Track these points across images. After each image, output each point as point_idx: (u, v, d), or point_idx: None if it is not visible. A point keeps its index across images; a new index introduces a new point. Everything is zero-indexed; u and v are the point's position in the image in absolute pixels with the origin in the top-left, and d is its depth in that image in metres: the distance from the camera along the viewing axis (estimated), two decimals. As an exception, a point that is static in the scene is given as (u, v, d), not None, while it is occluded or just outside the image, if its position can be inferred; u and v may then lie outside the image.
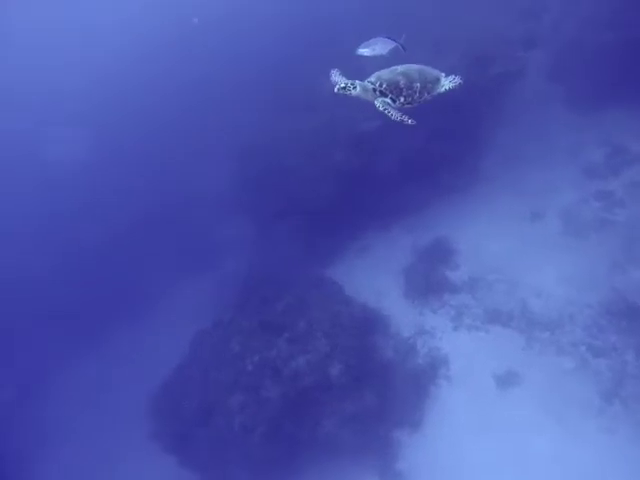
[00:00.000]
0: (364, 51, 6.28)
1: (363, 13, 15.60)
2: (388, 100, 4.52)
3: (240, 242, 13.82)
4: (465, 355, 10.44)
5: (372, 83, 4.48)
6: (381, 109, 4.49)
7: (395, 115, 4.47)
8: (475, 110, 12.89)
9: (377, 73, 4.58)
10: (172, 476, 10.28)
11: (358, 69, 5.05)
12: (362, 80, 4.57)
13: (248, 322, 11.21)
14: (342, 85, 4.37)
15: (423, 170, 12.37)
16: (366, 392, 10.00)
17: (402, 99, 4.47)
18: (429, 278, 11.74)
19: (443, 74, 4.68)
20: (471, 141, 13.06)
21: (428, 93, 4.53)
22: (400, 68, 4.59)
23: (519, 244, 11.54)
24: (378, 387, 10.07)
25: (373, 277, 12.20)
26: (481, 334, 10.67)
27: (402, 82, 4.43)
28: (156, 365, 11.65)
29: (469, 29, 13.44)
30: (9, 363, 13.51)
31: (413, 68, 4.60)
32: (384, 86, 4.46)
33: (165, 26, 22.25)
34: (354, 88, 4.42)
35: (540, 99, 13.55)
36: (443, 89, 4.61)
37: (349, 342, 10.63)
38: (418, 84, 4.46)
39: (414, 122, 4.48)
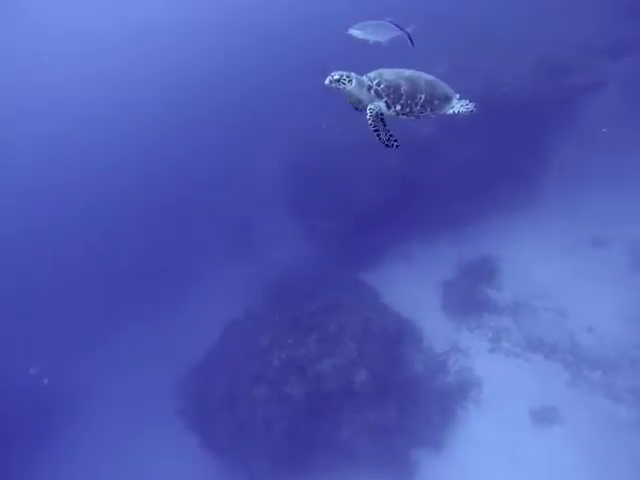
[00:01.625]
0: (356, 32, 5.31)
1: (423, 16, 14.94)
2: (381, 104, 3.96)
3: (282, 237, 13.88)
4: (499, 381, 9.95)
5: (370, 79, 3.94)
6: (372, 128, 3.91)
7: (383, 137, 3.91)
8: (542, 123, 12.11)
9: (380, 70, 4.04)
10: (192, 455, 10.67)
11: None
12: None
13: (280, 318, 11.30)
14: (336, 77, 3.82)
15: (477, 183, 11.78)
16: (389, 404, 9.81)
17: (398, 107, 3.90)
18: (469, 295, 11.26)
19: (457, 95, 4.14)
20: (534, 156, 12.27)
21: (432, 110, 3.99)
22: (408, 73, 4.05)
23: (573, 272, 10.78)
24: (402, 401, 9.83)
25: (411, 287, 11.87)
26: (520, 361, 10.10)
27: (404, 88, 3.89)
28: (187, 347, 12.00)
29: (546, 33, 12.52)
30: (53, 335, 14.65)
31: (423, 77, 4.06)
32: (382, 86, 3.91)
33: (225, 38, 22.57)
34: (349, 81, 3.85)
35: (618, 116, 12.42)
36: (451, 111, 4.07)
37: (378, 350, 10.45)
38: (422, 96, 3.92)
39: (399, 145, 3.91)
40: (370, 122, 4.00)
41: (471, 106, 4.05)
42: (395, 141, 3.94)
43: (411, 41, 5.06)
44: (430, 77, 4.09)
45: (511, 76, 12.31)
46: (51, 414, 12.82)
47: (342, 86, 3.86)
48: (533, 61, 12.39)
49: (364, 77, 3.97)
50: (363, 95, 4.01)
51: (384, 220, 12.11)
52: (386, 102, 3.95)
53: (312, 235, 13.45)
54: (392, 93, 3.91)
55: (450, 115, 4.05)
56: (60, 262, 16.15)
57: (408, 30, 5.03)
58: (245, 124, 16.11)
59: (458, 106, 4.07)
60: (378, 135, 3.93)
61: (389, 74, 3.98)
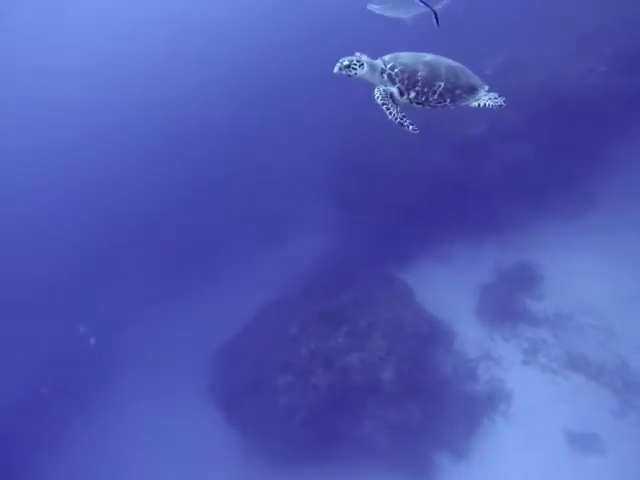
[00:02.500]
0: (375, 7, 5.00)
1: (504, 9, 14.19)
2: (394, 90, 3.59)
3: (320, 226, 13.84)
4: (532, 396, 9.51)
5: (384, 63, 3.61)
6: (379, 101, 3.57)
7: (395, 114, 3.56)
8: (610, 126, 11.26)
9: (397, 54, 3.69)
10: (217, 430, 10.99)
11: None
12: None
13: (311, 308, 11.34)
14: (345, 63, 3.56)
15: (527, 186, 11.27)
16: (413, 405, 9.69)
17: (412, 94, 3.54)
18: (507, 302, 10.82)
19: (486, 87, 3.71)
20: (596, 162, 11.48)
21: (452, 101, 3.61)
22: (428, 57, 3.64)
23: (629, 289, 10.02)
24: (427, 403, 9.68)
25: (447, 288, 11.53)
26: (558, 379, 9.56)
27: (422, 73, 3.51)
28: (219, 327, 12.28)
29: (629, 24, 11.52)
30: (103, 299, 15.47)
31: (445, 63, 3.62)
32: (396, 70, 3.54)
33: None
34: (360, 66, 3.57)
35: None
36: (476, 103, 3.67)
37: (407, 349, 10.31)
38: (442, 84, 3.52)
39: (416, 130, 3.57)
40: (377, 96, 3.62)
41: (500, 100, 3.64)
42: (411, 124, 3.58)
43: (437, 20, 4.58)
44: (454, 64, 3.69)
45: (580, 71, 11.52)
46: (88, 374, 13.69)
47: (353, 72, 3.58)
48: (609, 55, 11.46)
49: (378, 60, 3.67)
50: (375, 81, 3.69)
51: (425, 217, 11.81)
52: (399, 88, 3.60)
53: (351, 227, 13.33)
54: (407, 79, 3.55)
55: (475, 108, 3.69)
56: (115, 234, 16.92)
57: (436, 8, 4.55)
58: (293, 113, 16.04)
59: (485, 99, 3.66)
60: (389, 111, 3.59)
61: (406, 58, 3.63)
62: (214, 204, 16.07)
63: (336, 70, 3.61)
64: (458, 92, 3.61)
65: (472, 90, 3.67)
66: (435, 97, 3.57)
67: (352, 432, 9.62)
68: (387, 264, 12.16)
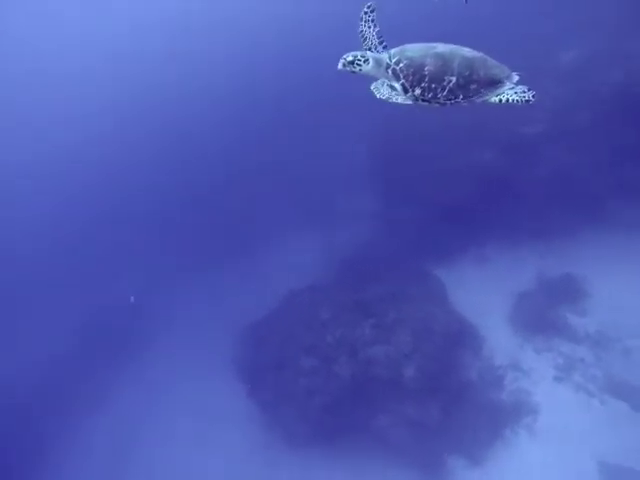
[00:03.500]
0: None
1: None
2: (397, 86, 3.29)
3: (361, 217, 13.72)
4: (562, 415, 9.05)
5: (390, 57, 3.33)
6: (383, 96, 3.31)
7: (400, 100, 3.31)
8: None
9: (405, 46, 3.38)
10: (238, 402, 11.27)
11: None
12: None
13: (342, 296, 11.37)
14: (349, 58, 3.36)
15: (580, 193, 10.58)
16: (433, 404, 9.55)
17: (418, 91, 3.22)
18: (544, 313, 10.35)
19: (515, 78, 3.25)
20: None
21: (465, 97, 3.21)
22: (441, 49, 3.24)
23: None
24: (447, 404, 9.50)
25: (482, 291, 11.17)
26: (594, 402, 9.02)
27: (429, 68, 3.18)
28: (249, 305, 12.59)
29: None
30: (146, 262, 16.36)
31: (461, 55, 3.21)
32: (401, 65, 3.25)
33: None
34: (365, 61, 3.34)
35: None
36: (497, 99, 3.24)
37: (433, 349, 10.13)
38: (453, 79, 3.16)
39: (445, 105, 3.26)
40: (376, 93, 3.40)
41: (529, 95, 3.19)
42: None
43: None
44: (473, 54, 3.24)
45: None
46: (126, 327, 14.70)
47: (357, 68, 3.39)
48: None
49: (384, 54, 3.40)
50: (381, 76, 3.41)
51: (468, 216, 11.45)
52: (403, 85, 3.29)
53: (390, 220, 13.15)
54: (412, 74, 3.23)
55: (496, 104, 3.26)
56: (169, 209, 17.80)
57: None
58: (341, 104, 15.89)
59: (510, 93, 3.21)
60: (397, 99, 3.36)
61: (414, 50, 3.29)
62: (262, 187, 16.33)
63: (340, 67, 3.43)
64: (474, 87, 3.21)
65: (492, 84, 3.23)
66: (444, 93, 3.23)
67: (368, 423, 9.66)
68: (424, 260, 11.93)
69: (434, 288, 11.47)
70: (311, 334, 11.11)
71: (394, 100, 3.37)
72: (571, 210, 10.80)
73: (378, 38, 3.42)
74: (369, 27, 3.40)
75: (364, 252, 12.68)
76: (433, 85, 3.22)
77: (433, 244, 11.99)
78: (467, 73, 3.17)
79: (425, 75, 3.22)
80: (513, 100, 3.22)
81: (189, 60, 24.82)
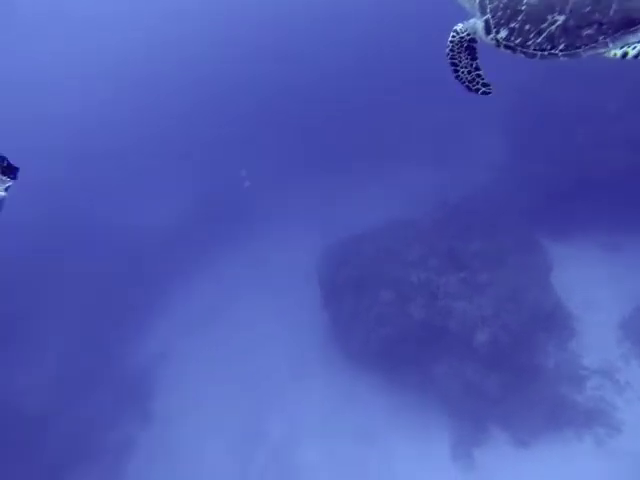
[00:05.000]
0: None
1: None
2: (479, 24, 2.47)
3: (485, 164, 12.44)
4: None
5: None
6: (448, 50, 2.63)
7: (463, 75, 2.66)
8: None
9: None
10: (312, 310, 12.12)
11: None
12: None
13: (439, 240, 10.94)
14: None
15: None
16: (495, 376, 9.23)
17: (504, 32, 2.35)
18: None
19: None
20: None
21: (568, 47, 2.22)
22: None
23: None
24: (510, 381, 9.10)
25: (600, 282, 9.85)
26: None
27: (530, 0, 2.23)
28: (345, 220, 13.04)
29: None
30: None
31: None
32: None
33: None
34: None
35: None
36: (623, 51, 2.15)
37: (516, 322, 9.52)
38: (560, 19, 2.18)
39: (489, 91, 2.69)
40: (447, 52, 2.71)
41: None
42: (484, 85, 2.72)
43: None
44: None
45: None
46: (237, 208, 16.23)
47: None
48: None
49: None
50: (466, 2, 2.62)
51: (609, 194, 9.68)
52: (486, 21, 2.45)
53: (517, 176, 11.77)
54: (503, 8, 2.34)
55: (614, 59, 2.24)
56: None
57: None
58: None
59: (636, 46, 2.11)
60: (456, 72, 2.73)
61: None
62: (397, 113, 15.71)
63: None
64: (588, 32, 2.18)
65: (627, 25, 2.11)
66: (539, 40, 2.28)
67: (424, 367, 9.80)
68: (540, 227, 10.71)
69: (539, 260, 10.39)
70: (397, 268, 11.04)
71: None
72: None
73: None
74: None
75: (477, 202, 11.73)
76: (527, 26, 2.30)
77: (557, 214, 10.59)
78: (588, 9, 2.12)
79: (521, 10, 2.29)
80: None
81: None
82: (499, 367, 9.19)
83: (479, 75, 2.76)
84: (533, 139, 11.39)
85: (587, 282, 10.00)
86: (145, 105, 22.85)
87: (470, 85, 2.79)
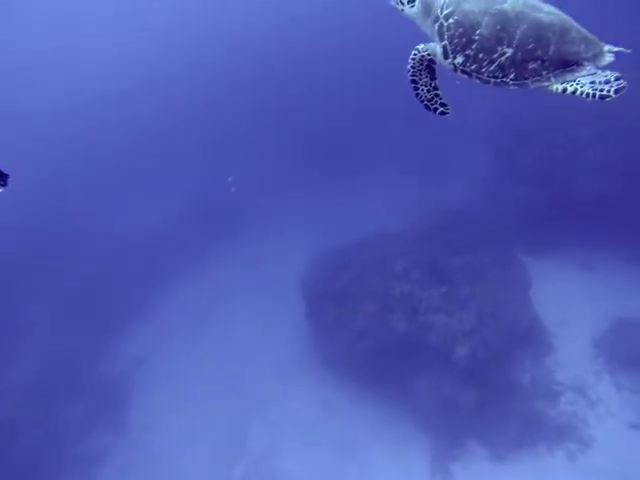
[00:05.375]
0: None
1: None
2: (438, 48, 2.63)
3: (468, 178, 12.66)
4: (617, 462, 8.09)
5: (443, 6, 2.61)
6: (409, 67, 2.74)
7: (423, 94, 2.75)
8: None
9: None
10: (295, 316, 12.12)
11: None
12: None
13: (422, 254, 11.07)
14: None
15: None
16: (472, 390, 9.37)
17: (460, 58, 2.53)
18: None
19: (608, 58, 2.38)
20: None
21: (517, 77, 2.44)
22: (510, 5, 2.41)
23: None
24: (487, 396, 9.26)
25: (574, 300, 10.12)
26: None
27: (482, 31, 2.42)
28: (334, 231, 13.14)
29: None
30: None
31: (533, 18, 2.36)
32: (450, 21, 2.53)
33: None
34: (409, 2, 2.73)
35: None
36: (561, 87, 2.41)
37: (494, 337, 9.71)
38: (509, 51, 2.40)
39: (447, 112, 2.75)
40: (409, 68, 2.79)
41: (611, 87, 2.25)
42: (442, 105, 2.80)
43: None
44: (552, 19, 2.36)
45: None
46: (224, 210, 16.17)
47: (400, 7, 2.78)
48: None
49: (439, 2, 2.66)
50: (427, 28, 2.77)
51: (585, 212, 9.93)
52: (445, 47, 2.60)
53: (499, 191, 12.02)
54: (459, 36, 2.51)
55: (557, 93, 2.44)
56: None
57: None
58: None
59: (586, 81, 2.34)
60: (416, 90, 2.80)
61: (475, 2, 2.49)
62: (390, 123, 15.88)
63: (392, 2, 2.86)
64: (533, 66, 2.40)
65: (563, 66, 2.37)
66: (492, 68, 2.46)
67: (403, 381, 9.89)
68: (520, 244, 10.97)
69: (519, 276, 10.61)
70: (381, 279, 11.14)
71: (417, 86, 2.79)
72: None
73: None
74: None
75: (461, 217, 11.90)
76: (481, 55, 2.47)
77: (536, 231, 10.85)
78: (531, 46, 2.36)
79: (474, 40, 2.46)
80: (583, 93, 2.34)
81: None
82: (477, 382, 9.33)
83: (437, 95, 2.84)
84: (516, 158, 11.65)
85: (564, 299, 10.25)
86: (146, 105, 22.58)
87: (429, 104, 2.85)
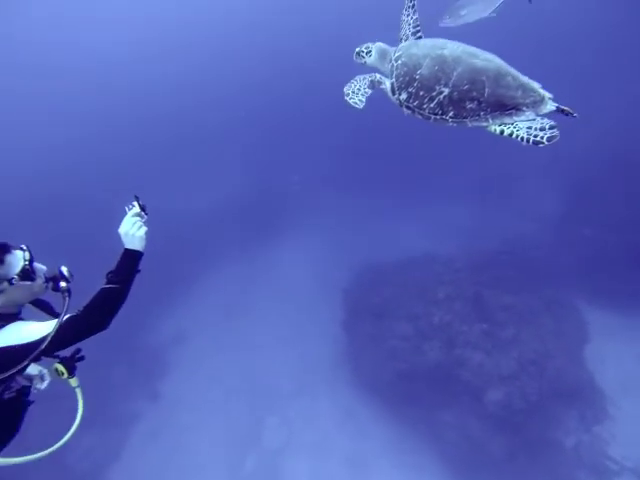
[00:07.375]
0: (448, 22, 4.21)
1: None
2: (387, 85, 2.95)
3: (531, 213, 11.68)
4: None
5: (395, 52, 2.99)
6: (347, 90, 3.00)
7: (356, 85, 2.95)
8: None
9: (420, 41, 2.98)
10: (332, 325, 11.92)
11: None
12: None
13: (469, 285, 10.49)
14: (357, 50, 3.14)
15: None
16: (501, 439, 8.75)
17: (404, 95, 2.78)
18: None
19: (550, 107, 2.46)
20: None
21: (456, 116, 2.59)
22: (449, 50, 2.65)
23: None
24: (518, 449, 8.57)
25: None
26: None
27: (422, 72, 2.68)
28: (384, 247, 12.84)
29: None
30: None
31: (468, 63, 2.56)
32: (399, 62, 2.86)
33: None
34: (368, 54, 3.08)
35: None
36: (498, 129, 2.53)
37: (534, 388, 8.99)
38: (445, 91, 2.60)
39: (360, 108, 2.94)
40: (355, 78, 3.11)
41: (545, 134, 2.36)
42: (361, 101, 2.99)
43: None
44: (487, 65, 2.54)
45: None
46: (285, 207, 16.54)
47: (362, 60, 3.12)
48: None
49: (393, 48, 3.06)
50: (386, 70, 3.08)
51: None
52: (392, 84, 2.91)
53: (568, 233, 10.96)
54: (404, 75, 2.81)
55: (494, 134, 2.56)
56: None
57: None
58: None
59: (522, 126, 2.46)
60: (350, 83, 3.06)
61: (422, 47, 2.80)
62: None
63: (354, 58, 3.21)
64: (471, 106, 2.56)
65: (500, 108, 2.50)
66: (432, 105, 2.69)
67: (431, 411, 9.45)
68: (579, 291, 9.93)
69: (574, 327, 9.72)
70: (421, 304, 10.77)
71: (350, 99, 2.98)
72: None
73: (414, 28, 3.04)
74: (408, 15, 3.02)
75: (516, 252, 11.11)
76: (421, 93, 2.74)
77: (603, 279, 9.76)
78: (465, 87, 2.56)
79: (415, 79, 2.76)
80: (518, 137, 2.48)
81: None
82: (509, 430, 8.68)
83: (365, 94, 3.03)
84: (586, 198, 10.59)
85: (628, 363, 9.19)
86: (216, 97, 23.47)
87: (352, 97, 3.00)
